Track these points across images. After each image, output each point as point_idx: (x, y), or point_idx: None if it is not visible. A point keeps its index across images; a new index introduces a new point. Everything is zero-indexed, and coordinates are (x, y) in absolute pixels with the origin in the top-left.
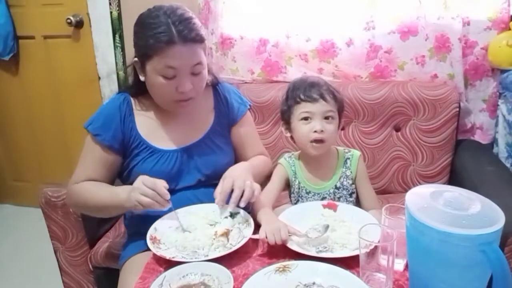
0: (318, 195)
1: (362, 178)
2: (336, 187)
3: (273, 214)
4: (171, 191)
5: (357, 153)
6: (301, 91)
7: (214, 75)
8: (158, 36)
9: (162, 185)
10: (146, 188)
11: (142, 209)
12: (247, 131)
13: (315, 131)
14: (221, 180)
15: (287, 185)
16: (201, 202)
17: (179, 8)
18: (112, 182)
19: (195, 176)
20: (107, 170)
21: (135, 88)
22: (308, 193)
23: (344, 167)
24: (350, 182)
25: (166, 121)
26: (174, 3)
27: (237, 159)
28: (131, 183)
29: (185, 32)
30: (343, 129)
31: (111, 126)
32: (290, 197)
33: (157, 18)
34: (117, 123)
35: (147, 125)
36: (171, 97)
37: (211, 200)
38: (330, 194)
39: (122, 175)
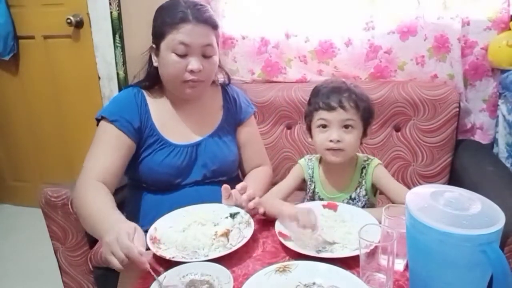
0: None
1: (382, 184)
2: (351, 198)
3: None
4: (177, 186)
5: (374, 162)
6: (320, 97)
7: (227, 75)
8: (174, 14)
9: (137, 252)
10: (117, 249)
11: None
12: (251, 132)
13: (331, 141)
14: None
15: (302, 187)
16: (205, 200)
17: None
18: (123, 173)
19: (201, 172)
20: (122, 158)
21: (147, 81)
22: (321, 200)
23: (361, 177)
24: (364, 193)
25: (178, 113)
26: None
27: (240, 162)
28: (139, 175)
29: (199, 14)
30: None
31: (128, 111)
32: (304, 199)
33: (175, 5)
34: (133, 109)
35: (160, 117)
36: (181, 76)
37: (215, 198)
38: None
39: (131, 165)
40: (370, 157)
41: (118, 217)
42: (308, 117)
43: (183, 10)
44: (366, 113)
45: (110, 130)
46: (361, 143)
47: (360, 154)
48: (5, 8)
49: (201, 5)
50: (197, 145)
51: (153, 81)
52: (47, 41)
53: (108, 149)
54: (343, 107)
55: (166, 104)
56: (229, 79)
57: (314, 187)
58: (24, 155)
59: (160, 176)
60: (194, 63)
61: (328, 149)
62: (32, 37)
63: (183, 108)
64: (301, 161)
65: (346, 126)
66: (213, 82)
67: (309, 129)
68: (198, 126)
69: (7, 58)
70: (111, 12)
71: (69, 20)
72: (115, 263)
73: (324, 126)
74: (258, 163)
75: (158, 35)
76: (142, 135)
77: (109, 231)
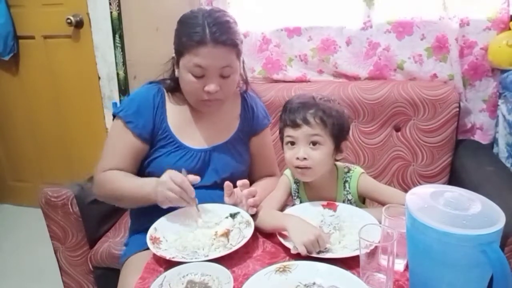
0: None
1: (371, 193)
2: None
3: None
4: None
5: (356, 173)
6: (287, 114)
7: (246, 82)
8: (191, 35)
9: (189, 183)
10: (173, 185)
11: (169, 204)
12: (264, 143)
13: (297, 158)
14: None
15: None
16: (214, 201)
17: (219, 11)
18: (137, 172)
19: (212, 178)
20: (134, 158)
21: (170, 83)
22: None
23: (345, 190)
24: (354, 205)
25: (195, 119)
26: (216, 7)
27: (250, 171)
28: (149, 173)
29: (218, 34)
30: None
31: (143, 114)
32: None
33: (195, 19)
34: (149, 112)
35: (177, 120)
36: (198, 95)
37: (223, 202)
38: None
39: (143, 163)
40: (350, 167)
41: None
42: (280, 134)
43: (200, 31)
44: (335, 129)
45: (124, 131)
46: (336, 160)
47: (339, 165)
48: (5, 8)
49: (222, 21)
50: (211, 151)
51: (175, 86)
52: (47, 41)
53: (124, 149)
54: (308, 123)
55: (184, 108)
56: (247, 87)
57: (300, 202)
58: (24, 155)
59: None
60: (211, 85)
61: (296, 167)
62: (32, 37)
63: (201, 114)
64: (287, 172)
65: (314, 143)
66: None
67: (282, 144)
68: (213, 132)
69: (7, 58)
70: (111, 12)
71: (69, 20)
72: (173, 196)
73: (292, 143)
74: (268, 173)
75: (177, 52)
76: (155, 136)
77: (154, 183)
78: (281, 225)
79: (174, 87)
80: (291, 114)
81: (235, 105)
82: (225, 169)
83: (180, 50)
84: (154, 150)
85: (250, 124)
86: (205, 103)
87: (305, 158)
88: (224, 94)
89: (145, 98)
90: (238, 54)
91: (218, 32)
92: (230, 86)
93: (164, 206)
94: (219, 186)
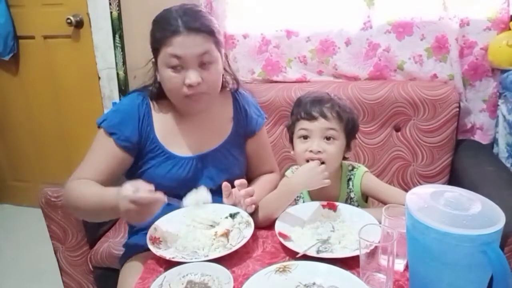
0: None
1: (374, 192)
2: None
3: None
4: (179, 197)
5: (360, 171)
6: (302, 107)
7: (236, 80)
8: (165, 28)
9: (148, 191)
10: (130, 206)
11: (134, 221)
12: (262, 144)
13: (311, 151)
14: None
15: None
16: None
17: (191, 4)
18: (116, 182)
19: (207, 184)
20: (115, 169)
21: (154, 89)
22: None
23: (348, 188)
24: (356, 204)
25: (184, 126)
26: (189, 2)
27: (248, 170)
28: None
29: (190, 22)
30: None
31: (128, 125)
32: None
33: (167, 14)
34: (135, 123)
35: (164, 129)
36: (179, 91)
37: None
38: None
39: (132, 175)
40: (354, 165)
41: (117, 188)
42: (290, 128)
43: (174, 22)
44: (349, 125)
45: (106, 142)
46: (344, 158)
47: (343, 162)
48: (5, 8)
49: (193, 10)
50: (204, 157)
51: (159, 93)
52: (47, 41)
53: (105, 160)
54: (324, 117)
55: (172, 115)
56: (238, 84)
57: (303, 202)
58: (24, 155)
59: (164, 189)
60: (191, 76)
61: (307, 161)
62: (32, 37)
63: (191, 119)
64: (288, 173)
65: (328, 138)
66: (223, 87)
67: (291, 141)
68: (205, 138)
69: (7, 58)
70: (111, 12)
71: (69, 20)
72: (138, 219)
73: (305, 137)
74: (267, 171)
75: (153, 51)
76: (143, 148)
77: (117, 201)
78: (282, 193)
79: (158, 94)
80: (306, 107)
81: (227, 107)
82: (220, 175)
83: (156, 47)
84: (144, 162)
85: (244, 126)
86: (189, 98)
87: (319, 152)
88: (208, 86)
89: (130, 109)
90: (217, 43)
91: (190, 20)
92: (213, 77)
93: (131, 222)
94: (215, 193)
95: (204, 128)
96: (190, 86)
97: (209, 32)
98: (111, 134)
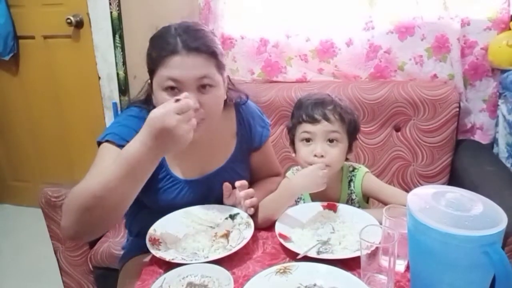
0: None
1: (374, 192)
2: None
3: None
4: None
5: (361, 172)
6: (304, 110)
7: (242, 93)
8: (162, 47)
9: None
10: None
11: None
12: (267, 155)
13: (315, 155)
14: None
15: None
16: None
17: (192, 22)
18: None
19: (212, 203)
20: None
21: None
22: None
23: (349, 189)
24: (357, 205)
25: (186, 148)
26: (190, 19)
27: (252, 177)
28: (145, 204)
29: (189, 41)
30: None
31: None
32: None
33: (166, 33)
34: None
35: None
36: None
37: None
38: None
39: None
40: (355, 165)
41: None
42: (291, 131)
43: (172, 40)
44: (351, 127)
45: (112, 153)
46: (346, 159)
47: (344, 164)
48: (5, 8)
49: (194, 29)
50: (210, 178)
51: None
52: (47, 41)
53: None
54: (327, 119)
55: None
56: (247, 98)
57: (303, 203)
58: (24, 155)
59: (170, 210)
60: None
61: (312, 164)
62: (32, 37)
63: (192, 141)
64: (289, 174)
65: (331, 140)
66: (226, 103)
67: (292, 143)
68: (209, 158)
69: (7, 58)
70: (111, 12)
71: (69, 20)
72: (186, 138)
73: (308, 140)
74: (271, 176)
75: (149, 72)
76: None
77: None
78: (282, 195)
79: None
80: (308, 109)
81: (230, 122)
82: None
83: (152, 68)
84: (148, 185)
85: (248, 140)
86: None
87: (322, 156)
88: (207, 113)
89: (135, 120)
90: (219, 66)
91: (190, 39)
92: (212, 103)
93: (170, 152)
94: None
95: (207, 148)
96: None
97: (210, 53)
98: (119, 146)
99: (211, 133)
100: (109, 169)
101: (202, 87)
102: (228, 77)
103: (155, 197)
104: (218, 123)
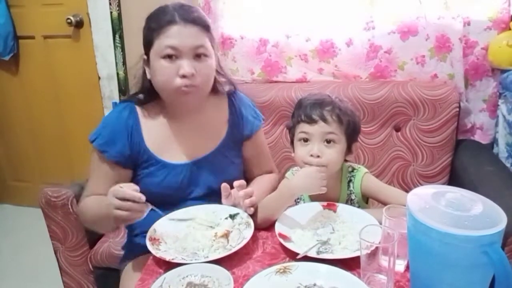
0: None
1: (374, 193)
2: None
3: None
4: (181, 201)
5: (360, 172)
6: (303, 110)
7: (231, 82)
8: (160, 19)
9: (132, 190)
10: (119, 202)
11: (124, 223)
12: (259, 146)
13: (311, 155)
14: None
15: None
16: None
17: (185, 2)
18: None
19: (203, 189)
20: (115, 183)
21: (142, 94)
22: None
23: (348, 190)
24: (357, 206)
25: (176, 132)
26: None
27: (246, 172)
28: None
29: (186, 14)
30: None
31: (117, 142)
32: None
33: (162, 10)
34: (124, 138)
35: (155, 137)
36: (172, 82)
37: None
38: None
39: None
40: (354, 166)
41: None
42: (291, 131)
43: (170, 12)
44: (350, 128)
45: (101, 160)
46: (345, 160)
47: (344, 164)
48: (5, 8)
49: (189, 6)
50: (198, 162)
51: (148, 95)
52: (47, 41)
53: (103, 178)
54: (324, 120)
55: (162, 122)
56: (235, 87)
57: (303, 203)
58: (24, 155)
59: (160, 195)
60: (185, 66)
61: (308, 164)
62: (32, 37)
63: (184, 122)
64: (288, 175)
65: (328, 141)
66: (218, 91)
67: (292, 143)
68: (199, 142)
69: (7, 58)
70: (111, 12)
71: (69, 20)
72: (125, 214)
73: (306, 140)
74: (265, 171)
75: (147, 44)
76: (136, 159)
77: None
78: (281, 195)
79: (146, 99)
80: (307, 110)
81: (221, 110)
82: (216, 180)
83: (150, 39)
84: (139, 171)
85: (239, 129)
86: (181, 91)
87: (318, 156)
88: (201, 79)
89: (117, 124)
90: (211, 39)
91: (186, 13)
92: (206, 70)
93: (121, 225)
94: (211, 199)
95: (198, 133)
96: (183, 76)
97: (204, 26)
98: (102, 152)
99: (202, 119)
100: (93, 209)
101: (198, 56)
102: (218, 57)
103: (146, 181)
104: (209, 111)
